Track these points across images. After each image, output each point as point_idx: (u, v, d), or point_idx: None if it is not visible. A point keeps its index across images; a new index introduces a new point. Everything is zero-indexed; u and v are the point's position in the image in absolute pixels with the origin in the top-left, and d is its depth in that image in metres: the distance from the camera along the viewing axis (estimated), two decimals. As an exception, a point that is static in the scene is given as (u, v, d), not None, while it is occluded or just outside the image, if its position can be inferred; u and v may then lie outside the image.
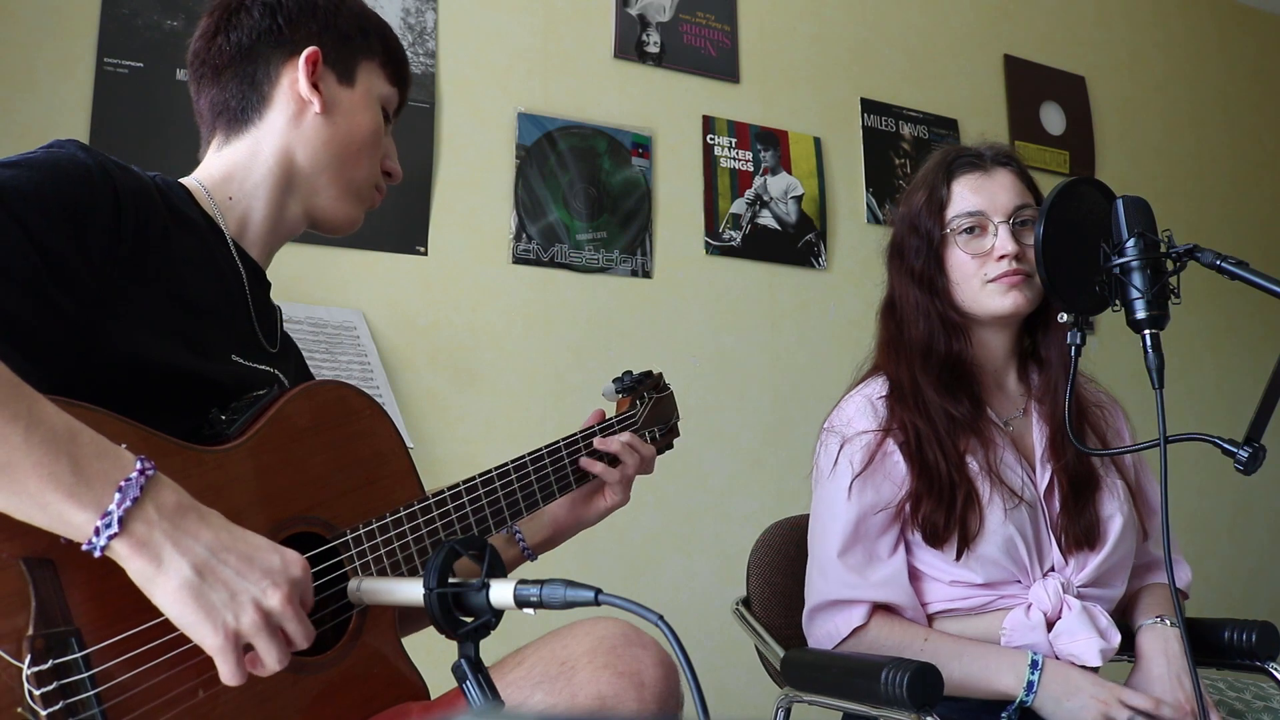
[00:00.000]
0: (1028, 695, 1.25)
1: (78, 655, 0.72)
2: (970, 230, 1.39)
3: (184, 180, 1.04)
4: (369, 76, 1.10)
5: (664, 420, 1.35)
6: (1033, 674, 1.26)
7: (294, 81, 1.05)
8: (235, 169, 1.06)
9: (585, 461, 1.21)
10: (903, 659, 1.18)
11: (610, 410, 1.31)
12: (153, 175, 0.98)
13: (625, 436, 1.24)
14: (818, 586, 1.39)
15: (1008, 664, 1.27)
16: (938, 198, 1.42)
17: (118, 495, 0.72)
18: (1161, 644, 1.33)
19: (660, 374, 1.37)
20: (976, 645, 1.31)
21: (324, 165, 1.07)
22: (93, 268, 0.84)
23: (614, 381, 1.32)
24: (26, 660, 0.70)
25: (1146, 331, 1.07)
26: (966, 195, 1.40)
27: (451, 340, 2.35)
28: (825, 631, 1.37)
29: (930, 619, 1.37)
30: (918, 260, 1.41)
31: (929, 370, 1.38)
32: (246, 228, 1.06)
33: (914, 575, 1.38)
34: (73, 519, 0.71)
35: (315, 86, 1.05)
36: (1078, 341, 1.18)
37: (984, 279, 1.37)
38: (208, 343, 0.95)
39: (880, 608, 1.35)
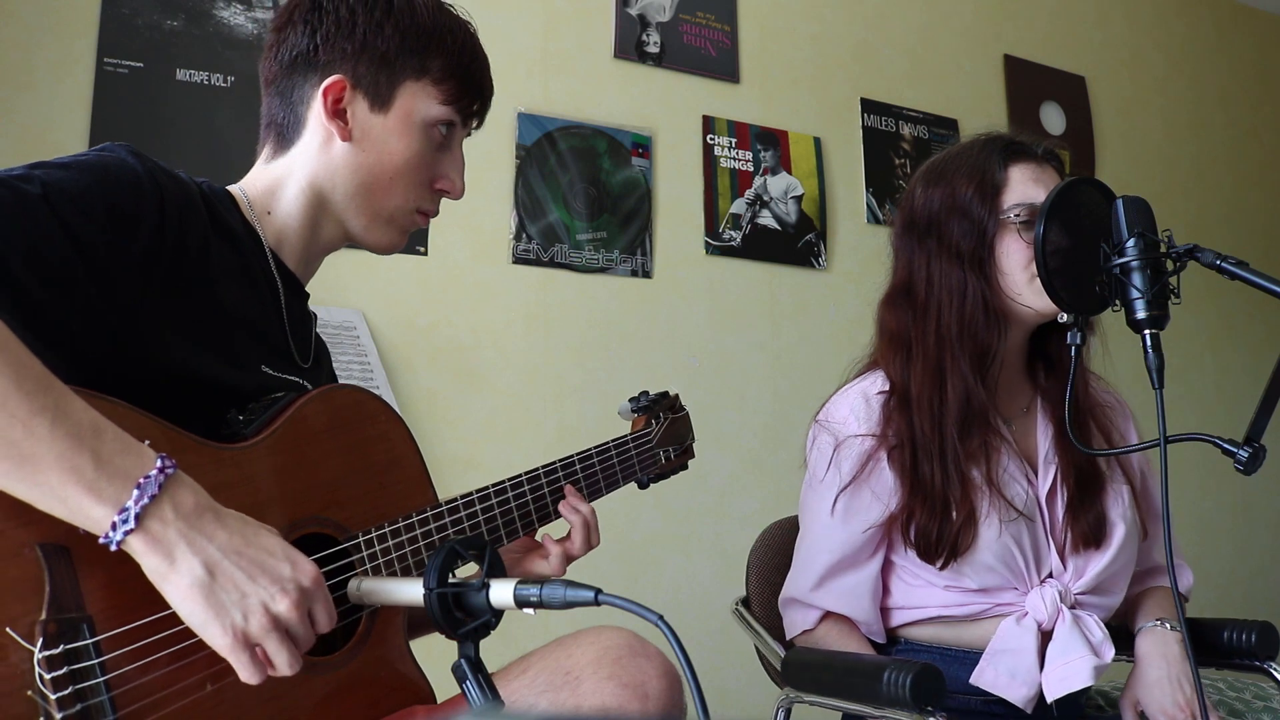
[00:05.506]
0: None
1: (89, 641, 0.73)
2: (1029, 222, 1.32)
3: (231, 188, 1.05)
4: (410, 99, 1.05)
5: (679, 441, 1.34)
6: None
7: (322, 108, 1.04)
8: (274, 186, 1.06)
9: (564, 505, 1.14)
10: (907, 660, 1.18)
11: (625, 429, 1.31)
12: (200, 182, 0.99)
13: (569, 505, 1.14)
14: (790, 580, 1.44)
15: None
16: (992, 181, 1.34)
17: (136, 492, 0.73)
18: (1161, 647, 1.33)
19: (676, 395, 1.37)
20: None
21: (352, 193, 1.05)
22: (131, 271, 0.85)
23: (630, 401, 1.31)
24: (38, 644, 0.71)
25: (1146, 331, 1.07)
26: (1027, 184, 1.34)
27: (451, 340, 2.35)
28: (787, 622, 1.44)
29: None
30: (966, 241, 1.34)
31: (961, 353, 1.32)
32: (284, 242, 1.06)
33: (907, 579, 1.38)
34: (91, 513, 0.72)
35: (339, 115, 1.03)
36: (1077, 341, 1.18)
37: (1033, 274, 1.29)
38: (240, 353, 0.96)
39: (836, 615, 1.38)
